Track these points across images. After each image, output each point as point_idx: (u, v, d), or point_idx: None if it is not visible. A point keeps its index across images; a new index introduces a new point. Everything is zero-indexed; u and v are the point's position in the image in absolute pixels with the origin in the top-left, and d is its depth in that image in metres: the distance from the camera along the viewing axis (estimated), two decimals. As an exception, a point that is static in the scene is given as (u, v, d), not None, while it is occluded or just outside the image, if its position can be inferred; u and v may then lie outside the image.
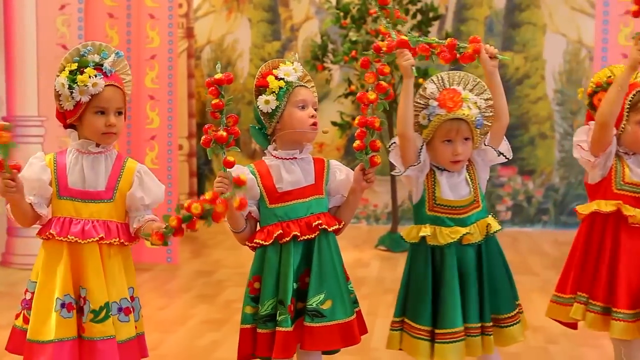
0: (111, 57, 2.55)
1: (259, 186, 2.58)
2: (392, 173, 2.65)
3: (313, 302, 2.52)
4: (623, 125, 2.80)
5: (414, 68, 2.59)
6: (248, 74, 8.37)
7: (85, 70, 2.48)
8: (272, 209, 2.57)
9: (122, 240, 2.55)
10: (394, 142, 2.65)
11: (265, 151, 2.67)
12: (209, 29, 8.59)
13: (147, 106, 6.14)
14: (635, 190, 2.78)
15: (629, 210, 2.75)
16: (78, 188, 2.52)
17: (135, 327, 2.61)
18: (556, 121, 8.12)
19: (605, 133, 2.75)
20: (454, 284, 2.58)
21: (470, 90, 2.63)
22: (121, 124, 2.57)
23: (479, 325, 2.62)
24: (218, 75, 2.42)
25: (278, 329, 2.50)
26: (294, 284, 2.53)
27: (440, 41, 2.65)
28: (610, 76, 2.84)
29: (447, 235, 2.59)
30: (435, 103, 2.59)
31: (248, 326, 2.58)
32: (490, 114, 2.66)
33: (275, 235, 2.53)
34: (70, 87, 2.48)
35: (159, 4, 6.11)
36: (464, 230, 2.61)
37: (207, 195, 2.18)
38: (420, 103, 2.65)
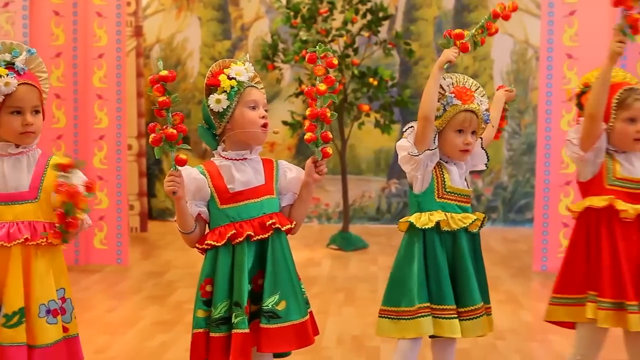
0: (23, 55, 2.50)
1: (209, 187, 2.55)
2: (409, 152, 2.70)
3: (269, 302, 2.50)
4: (611, 123, 2.83)
5: (448, 64, 2.74)
6: (198, 73, 8.32)
7: None
8: (223, 210, 2.55)
9: (49, 241, 2.50)
10: (412, 127, 2.74)
11: (214, 152, 2.65)
12: (158, 28, 8.52)
13: (95, 106, 6.08)
14: (627, 185, 2.82)
15: (621, 205, 2.77)
16: (0, 191, 2.47)
17: (68, 329, 2.54)
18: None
19: (593, 126, 2.79)
20: (469, 265, 2.74)
21: (477, 93, 2.81)
22: (39, 123, 2.51)
23: (484, 305, 2.79)
24: (163, 72, 2.36)
25: (235, 331, 2.47)
26: (249, 285, 2.51)
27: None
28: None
29: (460, 220, 2.73)
30: (452, 95, 2.74)
31: (200, 330, 2.53)
32: (488, 118, 2.85)
33: (228, 235, 2.50)
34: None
35: (107, 2, 6.05)
36: (473, 216, 2.77)
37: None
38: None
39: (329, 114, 2.55)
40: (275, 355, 2.65)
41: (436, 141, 2.73)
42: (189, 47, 8.46)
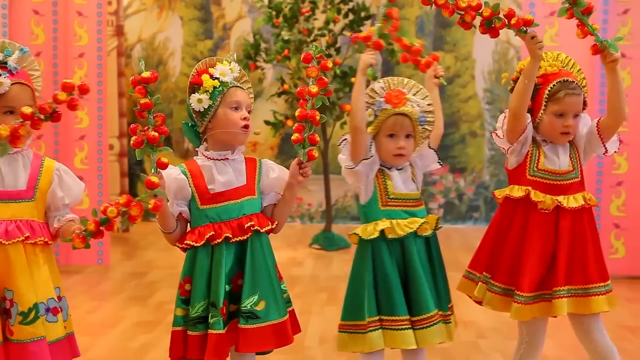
0: (15, 54, 2.50)
1: (190, 187, 2.55)
2: (345, 166, 2.68)
3: (247, 303, 2.50)
4: (541, 115, 2.85)
5: (370, 68, 2.70)
6: (180, 72, 8.30)
7: None
8: (203, 210, 2.55)
9: (46, 240, 2.51)
10: (345, 139, 2.71)
11: (197, 150, 2.65)
12: (140, 27, 8.49)
13: (76, 105, 6.04)
14: (547, 177, 2.83)
15: (538, 196, 2.79)
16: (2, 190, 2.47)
17: (65, 327, 2.57)
18: (486, 119, 8.26)
19: (517, 122, 2.80)
20: (420, 272, 2.68)
21: (414, 94, 2.75)
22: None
23: (438, 312, 2.72)
24: (145, 74, 2.34)
25: (210, 331, 2.47)
26: (227, 286, 2.51)
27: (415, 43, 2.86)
28: None
29: (406, 226, 2.67)
30: (382, 99, 2.70)
31: (179, 328, 2.55)
32: (431, 118, 2.78)
33: (206, 236, 2.50)
34: None
35: (87, 1, 6.03)
36: (420, 220, 2.71)
37: (122, 199, 2.28)
38: (367, 101, 2.73)
39: (318, 117, 2.56)
40: (257, 354, 2.65)
41: (372, 149, 2.71)
42: (171, 47, 8.44)
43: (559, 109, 2.81)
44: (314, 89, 2.55)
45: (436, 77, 2.87)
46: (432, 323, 2.68)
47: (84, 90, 2.39)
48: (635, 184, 5.64)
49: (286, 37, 6.56)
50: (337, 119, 6.87)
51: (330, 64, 2.59)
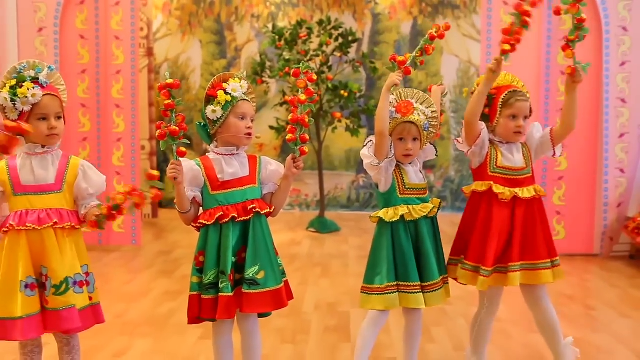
0: (45, 71, 2.51)
1: (203, 176, 2.57)
2: (370, 163, 2.69)
3: (250, 272, 2.51)
4: (497, 119, 2.85)
5: (400, 79, 2.70)
6: (200, 86, 8.28)
7: (23, 84, 2.45)
8: (213, 195, 2.56)
9: (73, 224, 2.51)
10: (371, 140, 2.72)
11: (209, 147, 2.66)
12: (167, 49, 8.47)
13: (114, 113, 6.04)
14: (505, 172, 2.83)
15: (498, 189, 2.80)
16: (31, 184, 2.47)
17: (91, 298, 2.56)
18: (452, 125, 8.26)
19: (472, 128, 2.81)
20: (429, 247, 2.74)
21: (421, 103, 2.76)
22: (62, 127, 2.53)
23: (442, 277, 2.80)
24: (169, 81, 2.44)
25: (220, 294, 2.48)
26: (233, 258, 2.52)
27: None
28: None
29: (420, 210, 2.72)
30: (393, 109, 2.72)
31: (194, 293, 2.56)
32: (435, 122, 2.80)
33: (216, 216, 2.52)
34: (12, 100, 2.44)
35: (123, 27, 6.02)
36: (431, 205, 2.77)
37: (127, 188, 2.39)
38: None
39: (307, 119, 2.57)
40: (259, 315, 2.66)
41: (392, 149, 2.72)
42: (192, 65, 8.43)
43: (511, 112, 2.82)
44: (302, 97, 2.57)
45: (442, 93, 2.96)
46: (437, 288, 2.75)
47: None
48: (572, 179, 5.67)
49: (287, 57, 6.55)
50: (329, 124, 6.87)
51: (315, 77, 2.60)
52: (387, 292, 2.70)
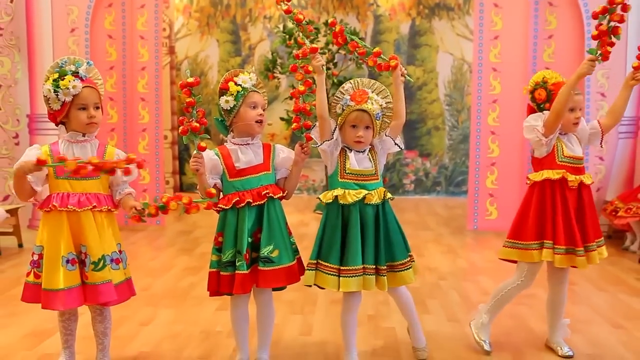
0: (84, 65, 2.52)
1: (221, 165, 2.56)
2: (313, 145, 2.60)
3: (265, 251, 2.52)
4: None
5: (323, 67, 2.60)
6: (217, 81, 8.27)
7: (65, 77, 2.45)
8: (231, 182, 2.56)
9: (109, 208, 2.52)
10: (315, 124, 2.62)
11: (226, 139, 2.66)
12: (187, 47, 8.46)
13: (139, 106, 6.05)
14: (571, 161, 2.81)
15: (570, 177, 2.78)
16: None
17: (124, 273, 2.58)
18: (446, 117, 8.23)
19: (559, 120, 2.74)
20: (356, 233, 2.55)
21: (377, 93, 2.64)
22: (100, 116, 2.52)
23: (374, 266, 2.57)
24: (190, 80, 2.39)
25: (237, 272, 2.49)
26: (249, 238, 2.52)
27: (369, 47, 2.67)
28: (544, 78, 2.85)
29: (354, 195, 2.55)
30: (348, 97, 2.60)
31: (214, 270, 2.57)
32: (390, 113, 2.66)
33: (233, 201, 2.52)
34: (55, 91, 2.45)
35: (148, 28, 6.01)
36: (365, 192, 2.57)
37: (185, 200, 2.34)
38: (338, 97, 2.65)
39: (308, 108, 2.56)
40: (274, 289, 2.67)
41: (336, 133, 2.60)
42: (210, 62, 8.41)
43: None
44: (301, 88, 2.57)
45: (402, 75, 2.66)
46: (357, 274, 2.53)
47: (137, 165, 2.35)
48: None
49: (296, 55, 6.52)
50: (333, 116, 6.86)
51: (311, 68, 2.57)
52: (309, 268, 2.59)
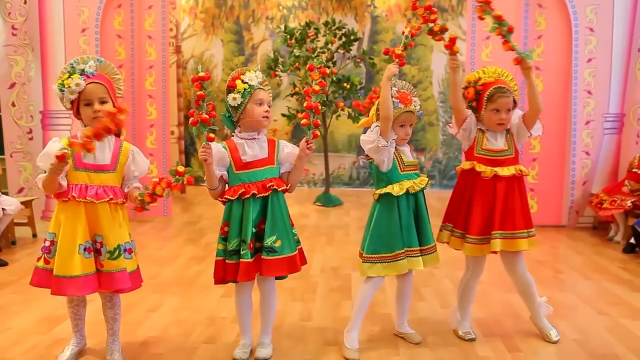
0: (90, 62, 2.50)
1: (228, 157, 2.57)
2: (379, 144, 2.63)
3: (268, 241, 2.52)
4: (483, 112, 2.84)
5: (395, 76, 2.68)
6: (221, 79, 8.26)
7: (72, 76, 2.45)
8: (237, 174, 2.56)
9: (123, 200, 2.53)
10: (377, 125, 2.65)
11: (232, 133, 2.65)
12: (192, 47, 8.44)
13: (147, 103, 6.04)
14: (488, 154, 2.83)
15: (480, 168, 2.81)
16: (91, 162, 2.48)
17: (136, 262, 2.60)
18: (440, 113, 8.23)
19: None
20: (426, 215, 2.75)
21: (414, 97, 2.75)
22: (107, 109, 2.40)
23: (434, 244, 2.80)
24: (201, 74, 2.43)
25: (241, 260, 2.50)
26: (253, 228, 2.52)
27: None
28: (479, 76, 2.86)
29: (419, 183, 2.72)
30: (397, 100, 2.66)
31: (220, 258, 2.57)
32: (422, 111, 2.79)
33: (239, 192, 2.52)
34: (61, 91, 2.46)
35: (155, 28, 6.00)
36: (426, 178, 2.77)
37: (163, 184, 2.36)
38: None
39: (320, 107, 2.57)
40: (276, 278, 2.68)
41: (393, 133, 2.68)
42: (214, 61, 8.40)
43: (494, 107, 2.79)
44: (316, 87, 2.56)
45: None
46: (433, 251, 2.77)
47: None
48: (544, 160, 5.65)
49: (297, 54, 6.52)
50: (333, 112, 6.85)
51: (328, 71, 2.60)
52: (398, 259, 2.67)
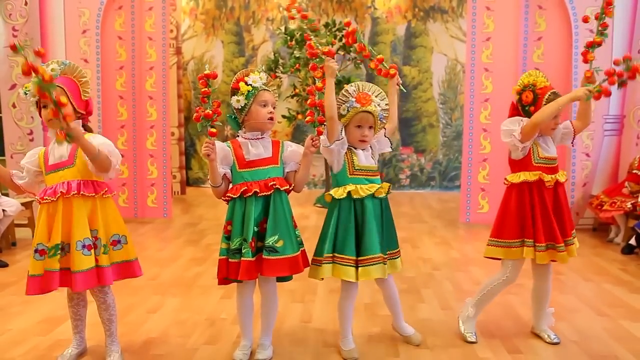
0: (52, 65, 2.48)
1: (232, 156, 2.58)
2: (325, 146, 2.60)
3: (270, 241, 2.52)
4: None
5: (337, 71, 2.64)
6: (221, 81, 8.26)
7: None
8: (240, 173, 2.57)
9: (93, 194, 2.48)
10: (324, 125, 2.62)
11: (237, 133, 2.66)
12: (193, 48, 8.45)
13: (147, 104, 6.05)
14: (546, 162, 2.80)
15: (546, 177, 2.77)
16: (53, 163, 2.50)
17: (126, 256, 2.57)
18: (440, 115, 8.23)
19: (536, 130, 2.72)
20: (372, 223, 2.59)
21: (377, 96, 2.68)
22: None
23: (386, 254, 2.64)
24: (207, 71, 2.46)
25: (243, 259, 2.50)
26: (255, 227, 2.52)
27: (374, 52, 2.78)
28: (533, 81, 2.81)
29: (366, 189, 2.60)
30: (354, 99, 2.62)
31: (223, 257, 2.57)
32: (387, 114, 2.72)
33: (241, 191, 2.53)
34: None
35: (155, 30, 6.01)
36: (377, 185, 2.63)
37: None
38: (342, 99, 2.66)
39: (322, 104, 2.58)
40: (280, 280, 2.68)
41: (343, 133, 2.62)
42: (215, 62, 8.40)
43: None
44: (319, 84, 2.57)
45: (397, 84, 2.79)
46: (375, 262, 2.57)
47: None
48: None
49: (297, 55, 6.52)
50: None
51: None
52: (325, 262, 2.59)
